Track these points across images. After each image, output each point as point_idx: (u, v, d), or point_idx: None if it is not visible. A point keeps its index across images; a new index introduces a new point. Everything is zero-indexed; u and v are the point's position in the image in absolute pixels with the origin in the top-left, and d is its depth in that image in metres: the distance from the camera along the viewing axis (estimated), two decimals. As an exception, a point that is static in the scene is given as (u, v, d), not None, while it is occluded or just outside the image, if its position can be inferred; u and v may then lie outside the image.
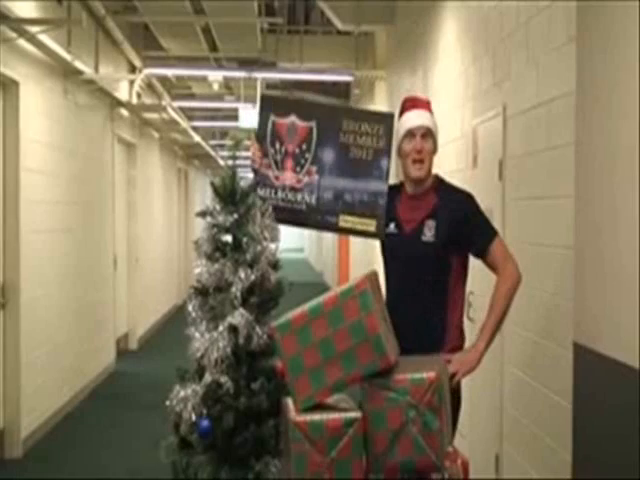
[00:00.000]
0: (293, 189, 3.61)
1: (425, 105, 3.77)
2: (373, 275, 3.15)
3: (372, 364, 2.94)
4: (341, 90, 14.17)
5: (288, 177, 3.62)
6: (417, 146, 3.62)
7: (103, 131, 10.04)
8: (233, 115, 13.38)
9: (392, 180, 3.73)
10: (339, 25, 9.85)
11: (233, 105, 13.36)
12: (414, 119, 3.67)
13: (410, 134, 3.65)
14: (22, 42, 6.77)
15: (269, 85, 13.89)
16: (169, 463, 3.42)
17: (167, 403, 3.39)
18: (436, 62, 7.12)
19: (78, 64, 8.09)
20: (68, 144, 8.26)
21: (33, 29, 6.75)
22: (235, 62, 12.10)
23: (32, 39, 6.83)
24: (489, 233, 3.66)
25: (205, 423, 3.28)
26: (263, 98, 3.85)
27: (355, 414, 2.95)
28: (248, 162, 3.68)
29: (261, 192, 3.58)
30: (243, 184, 3.50)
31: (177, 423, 3.38)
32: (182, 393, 3.35)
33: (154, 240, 14.08)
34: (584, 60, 3.37)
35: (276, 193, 3.61)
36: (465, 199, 3.70)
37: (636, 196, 2.79)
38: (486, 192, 5.04)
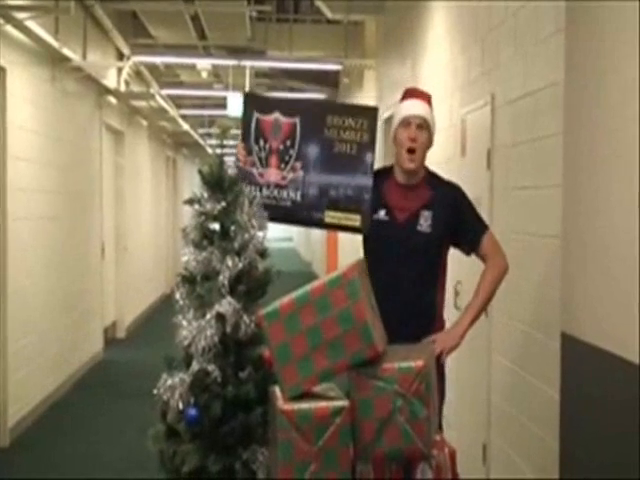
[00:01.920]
0: (278, 186, 3.61)
1: (425, 98, 3.75)
2: (361, 263, 3.14)
3: (360, 352, 2.94)
4: (330, 79, 14.14)
5: (272, 174, 3.61)
6: (411, 134, 3.61)
7: (91, 119, 9.99)
8: (222, 103, 13.32)
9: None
10: (328, 14, 9.81)
11: (222, 93, 13.30)
12: (411, 108, 3.66)
13: (406, 122, 3.64)
14: (9, 28, 6.73)
15: (258, 74, 13.84)
16: (156, 451, 3.42)
17: (154, 391, 3.39)
18: (425, 51, 7.10)
19: (66, 51, 8.05)
20: (55, 132, 8.21)
21: (21, 15, 6.70)
22: (224, 50, 12.05)
23: (20, 26, 6.79)
24: (481, 227, 3.71)
25: (192, 411, 3.27)
26: (247, 96, 3.84)
27: (342, 403, 2.94)
28: (235, 151, 3.67)
29: (246, 190, 3.57)
30: (231, 172, 3.49)
31: (164, 411, 3.37)
32: (169, 381, 3.34)
33: (142, 228, 14.04)
34: (572, 51, 3.37)
35: (261, 191, 3.61)
36: (457, 193, 3.75)
37: (624, 186, 2.79)
38: (474, 181, 5.04)
